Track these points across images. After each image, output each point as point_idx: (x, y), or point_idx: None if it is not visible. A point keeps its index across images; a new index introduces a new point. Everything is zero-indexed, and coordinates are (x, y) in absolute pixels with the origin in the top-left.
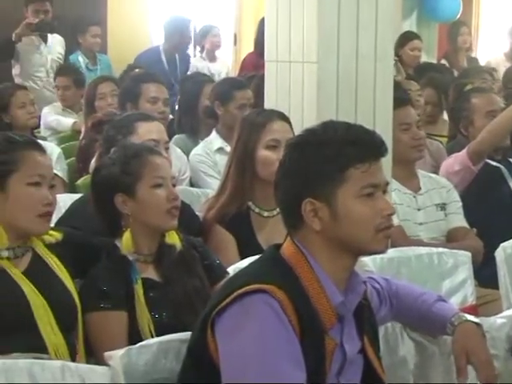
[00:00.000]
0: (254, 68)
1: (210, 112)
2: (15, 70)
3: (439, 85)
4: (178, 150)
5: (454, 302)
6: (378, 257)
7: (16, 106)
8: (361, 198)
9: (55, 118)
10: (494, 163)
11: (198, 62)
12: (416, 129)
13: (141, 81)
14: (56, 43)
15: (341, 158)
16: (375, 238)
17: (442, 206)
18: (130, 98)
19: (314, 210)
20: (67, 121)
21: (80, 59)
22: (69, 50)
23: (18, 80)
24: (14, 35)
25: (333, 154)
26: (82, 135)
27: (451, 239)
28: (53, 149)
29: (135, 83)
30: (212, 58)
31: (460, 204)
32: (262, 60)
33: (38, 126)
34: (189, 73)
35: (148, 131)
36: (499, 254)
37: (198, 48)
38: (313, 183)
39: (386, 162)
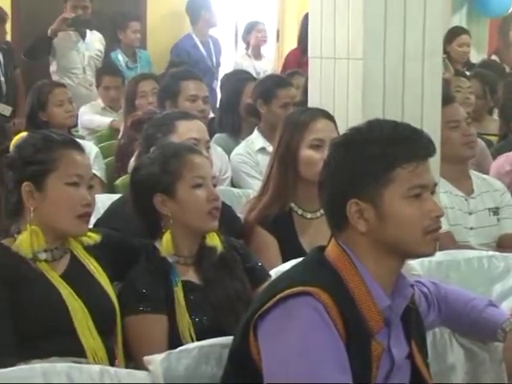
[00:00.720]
0: (297, 65)
1: (251, 110)
2: (52, 67)
3: (485, 79)
4: (219, 149)
5: (506, 307)
6: (425, 260)
7: (53, 104)
8: (408, 198)
9: (91, 117)
10: None
11: (243, 60)
12: (466, 125)
13: (180, 78)
14: (95, 40)
15: (387, 158)
16: (423, 241)
17: (495, 211)
18: (169, 96)
19: (359, 210)
20: (104, 119)
21: (120, 57)
22: (109, 48)
23: (54, 77)
24: (49, 30)
25: (379, 154)
26: (121, 134)
27: (502, 246)
28: (91, 148)
29: (174, 81)
30: (257, 55)
31: None
32: (305, 57)
33: (76, 125)
34: (232, 70)
35: (188, 130)
36: None
37: (244, 45)
38: (358, 183)
39: (434, 162)
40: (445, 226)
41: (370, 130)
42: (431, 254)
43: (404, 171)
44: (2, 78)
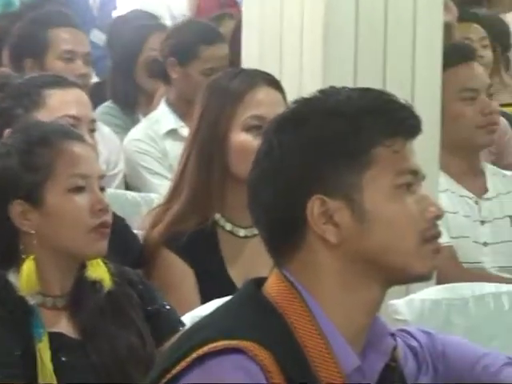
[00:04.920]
0: (219, 4)
1: (157, 70)
2: None
3: (488, 26)
4: (106, 130)
5: None
6: (415, 298)
7: None
8: (397, 189)
9: None
10: None
11: None
12: (486, 98)
13: (46, 25)
14: None
15: (362, 132)
16: (419, 253)
17: None
18: (30, 52)
19: (326, 212)
20: None
21: None
22: None
23: None
24: None
25: (350, 128)
26: None
27: None
28: None
29: (37, 29)
30: None
31: None
32: None
33: None
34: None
35: (63, 103)
36: None
37: None
38: (322, 172)
39: (432, 150)
40: (444, 239)
41: (328, 100)
42: (427, 277)
43: (387, 151)
44: None
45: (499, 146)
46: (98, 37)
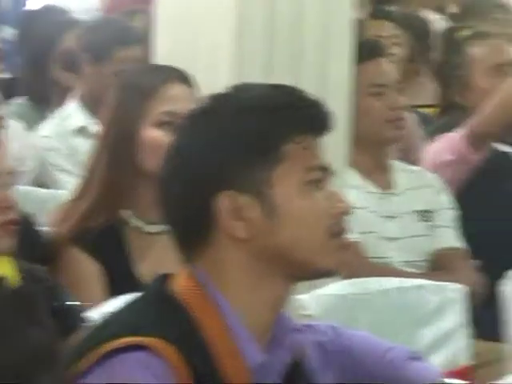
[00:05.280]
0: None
1: (72, 62)
2: None
3: (407, 25)
4: (19, 126)
5: (438, 361)
6: (321, 294)
7: None
8: (306, 185)
9: None
10: (506, 149)
11: None
12: (395, 94)
13: None
14: None
15: (274, 129)
16: (326, 248)
17: (426, 215)
18: None
19: (235, 208)
20: None
21: None
22: None
23: None
24: None
25: (260, 124)
26: None
27: (438, 266)
28: None
29: None
30: None
31: (453, 213)
32: None
33: None
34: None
35: None
36: (507, 286)
37: None
38: (232, 168)
39: (341, 145)
40: (352, 235)
41: (240, 96)
42: (334, 272)
43: (298, 147)
44: None
45: (407, 141)
46: (9, 32)
